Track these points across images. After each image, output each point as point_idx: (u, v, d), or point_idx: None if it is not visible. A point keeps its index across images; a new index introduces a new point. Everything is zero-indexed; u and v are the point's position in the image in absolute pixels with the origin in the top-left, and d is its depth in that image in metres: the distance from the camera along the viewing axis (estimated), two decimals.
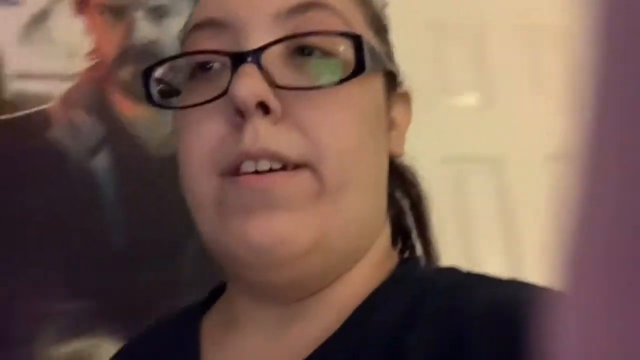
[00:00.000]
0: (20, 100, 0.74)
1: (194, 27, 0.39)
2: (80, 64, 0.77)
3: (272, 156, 0.35)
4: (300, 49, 0.37)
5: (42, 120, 0.73)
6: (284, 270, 0.36)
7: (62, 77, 0.76)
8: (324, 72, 0.36)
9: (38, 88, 0.75)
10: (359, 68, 0.36)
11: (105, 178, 0.72)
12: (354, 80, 0.36)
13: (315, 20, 0.37)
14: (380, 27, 0.42)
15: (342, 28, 0.37)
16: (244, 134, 0.35)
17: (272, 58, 0.36)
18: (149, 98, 0.40)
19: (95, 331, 0.67)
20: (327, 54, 0.37)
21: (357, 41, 0.36)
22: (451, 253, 0.51)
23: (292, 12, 0.37)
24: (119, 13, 0.79)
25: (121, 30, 0.79)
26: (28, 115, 0.73)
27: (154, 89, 0.39)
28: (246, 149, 0.35)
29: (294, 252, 0.35)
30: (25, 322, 0.66)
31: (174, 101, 0.40)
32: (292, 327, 0.38)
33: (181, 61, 0.40)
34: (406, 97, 0.45)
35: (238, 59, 0.35)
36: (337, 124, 0.36)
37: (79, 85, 0.76)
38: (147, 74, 0.39)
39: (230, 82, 0.35)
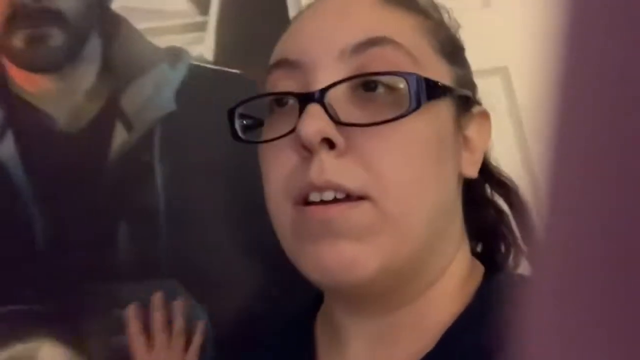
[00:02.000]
0: None
1: (273, 65, 0.43)
2: None
3: (336, 188, 0.38)
4: (365, 84, 0.40)
5: None
6: (358, 290, 0.39)
7: None
8: (386, 107, 0.39)
9: None
10: (415, 105, 0.38)
11: (13, 165, 0.65)
12: (415, 114, 0.38)
13: (378, 56, 0.40)
14: (452, 52, 0.44)
15: (406, 62, 0.40)
16: (310, 168, 0.38)
17: (337, 95, 0.39)
18: (234, 134, 0.44)
19: (31, 333, 0.63)
20: (389, 88, 0.39)
21: (411, 80, 0.39)
22: None
23: (357, 49, 0.40)
24: None
25: None
26: None
27: (239, 125, 0.44)
28: (312, 181, 0.38)
29: (361, 277, 0.38)
30: None
31: (258, 133, 0.44)
32: (385, 342, 0.42)
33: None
34: (483, 116, 0.45)
35: (305, 99, 0.39)
36: (397, 157, 0.39)
37: None
38: (231, 112, 0.44)
39: (298, 119, 0.39)
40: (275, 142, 0.40)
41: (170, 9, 0.71)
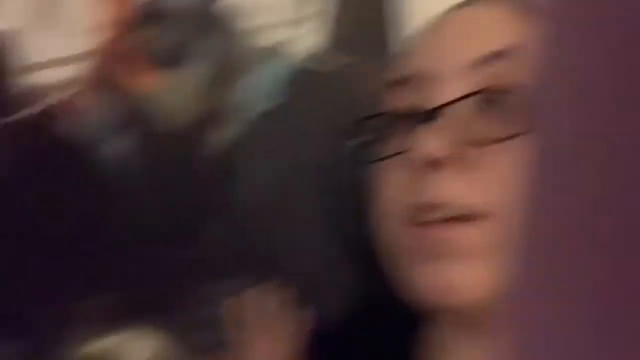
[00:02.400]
0: (37, 89, 0.74)
1: (393, 82, 0.42)
2: (89, 42, 0.74)
3: (455, 207, 0.37)
4: (486, 100, 0.38)
5: (59, 108, 0.72)
6: (467, 310, 0.38)
7: (75, 59, 0.74)
8: (510, 124, 0.37)
9: (53, 74, 0.75)
10: None
11: (122, 160, 0.70)
12: None
13: (503, 70, 0.38)
14: None
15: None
16: (427, 187, 0.37)
17: (459, 110, 0.38)
18: (351, 151, 0.44)
19: (126, 325, 0.66)
20: (515, 103, 0.37)
21: None
22: None
23: (480, 63, 0.39)
24: None
25: None
26: (46, 105, 0.72)
27: (353, 142, 0.44)
28: (429, 200, 0.37)
29: (471, 299, 0.37)
30: (59, 320, 0.66)
31: (374, 151, 0.44)
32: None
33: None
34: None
35: (425, 116, 0.38)
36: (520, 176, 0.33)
37: (89, 66, 0.74)
38: (348, 129, 0.44)
39: (417, 136, 0.38)
40: (391, 162, 0.40)
41: (271, 4, 0.73)
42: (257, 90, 0.70)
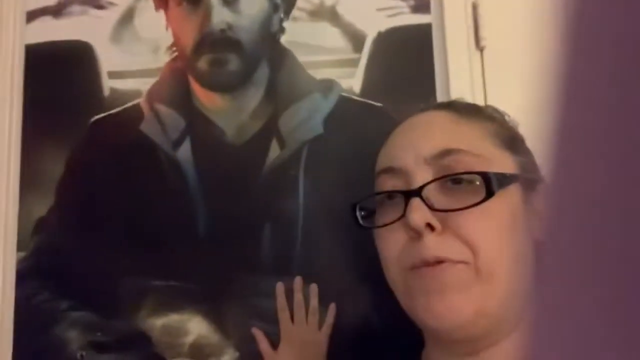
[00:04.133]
0: (114, 97, 0.83)
1: (379, 171, 0.57)
2: (163, 58, 0.83)
3: (442, 260, 0.50)
4: (451, 180, 0.52)
5: (134, 115, 0.81)
6: (459, 331, 0.50)
7: (148, 73, 0.83)
8: (469, 195, 0.50)
9: (128, 85, 0.83)
10: (487, 195, 0.50)
11: (188, 166, 0.79)
12: (491, 199, 0.50)
13: (454, 161, 0.52)
14: (514, 145, 0.55)
15: (478, 162, 0.52)
16: (420, 247, 0.50)
17: (430, 190, 0.52)
18: (356, 221, 0.58)
19: (184, 307, 0.76)
20: (469, 182, 0.51)
21: (484, 177, 0.50)
22: None
23: (436, 157, 0.52)
24: (195, 1, 0.83)
25: (198, 18, 0.83)
26: (122, 111, 0.82)
27: (359, 214, 0.58)
28: (423, 257, 0.50)
29: (463, 319, 0.49)
30: (130, 296, 0.77)
31: (373, 220, 0.58)
32: None
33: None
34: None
35: (408, 195, 0.52)
36: (483, 230, 0.50)
37: (161, 80, 0.82)
38: (353, 206, 0.59)
39: (405, 210, 0.52)
40: (387, 227, 0.53)
41: (329, 46, 0.81)
42: (306, 118, 0.79)
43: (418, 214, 0.50)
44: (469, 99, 0.72)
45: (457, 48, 0.79)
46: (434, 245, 0.50)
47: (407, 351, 0.59)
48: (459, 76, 0.78)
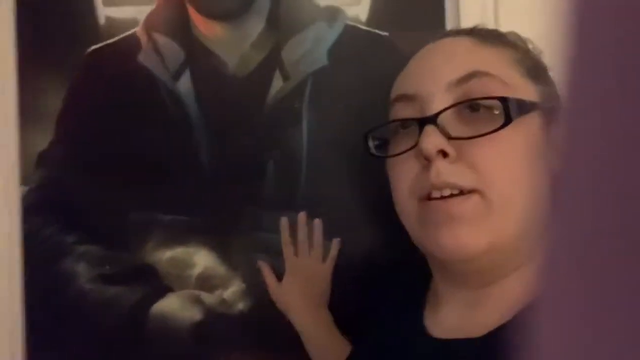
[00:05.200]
0: (110, 26, 0.79)
1: (394, 99, 0.55)
2: None
3: (452, 186, 0.49)
4: (469, 107, 0.50)
5: (131, 45, 0.78)
6: (469, 264, 0.49)
7: (145, 0, 0.80)
8: (487, 123, 0.49)
9: (124, 13, 0.79)
10: (506, 121, 0.48)
11: (189, 99, 0.77)
12: (508, 127, 0.48)
13: (478, 85, 0.50)
14: (537, 74, 0.52)
15: (499, 88, 0.50)
16: (430, 172, 0.49)
17: (447, 117, 0.50)
18: (368, 151, 0.57)
19: (190, 240, 0.77)
20: (488, 108, 0.50)
21: (503, 102, 0.48)
22: None
23: (459, 81, 0.50)
24: None
25: None
26: (119, 41, 0.79)
27: (372, 144, 0.57)
28: (433, 182, 0.49)
29: (472, 253, 0.48)
30: (136, 229, 0.77)
31: (386, 149, 0.57)
32: (477, 310, 0.51)
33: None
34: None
35: (422, 122, 0.50)
36: (497, 160, 0.48)
37: (158, 8, 0.79)
38: (366, 135, 0.57)
39: (419, 137, 0.50)
40: (401, 156, 0.52)
41: None
42: (310, 48, 0.77)
43: (430, 140, 0.49)
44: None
45: None
46: (445, 171, 0.49)
47: (413, 287, 0.60)
48: (469, 3, 0.75)
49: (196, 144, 0.77)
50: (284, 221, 0.75)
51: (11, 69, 0.80)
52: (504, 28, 0.73)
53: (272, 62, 0.77)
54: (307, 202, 0.75)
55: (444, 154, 0.49)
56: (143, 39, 0.79)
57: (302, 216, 0.75)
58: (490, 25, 0.74)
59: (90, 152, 0.78)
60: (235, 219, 0.76)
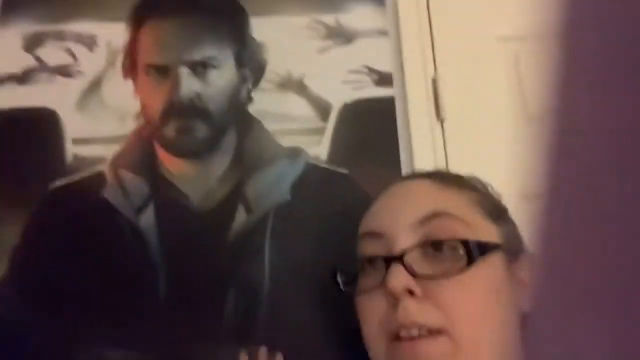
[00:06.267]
0: (77, 164, 0.81)
1: (362, 235, 0.57)
2: (130, 126, 0.83)
3: (420, 326, 0.49)
4: (433, 246, 0.52)
5: (96, 182, 0.80)
6: None
7: (114, 140, 0.82)
8: (450, 262, 0.50)
9: (93, 151, 0.82)
10: (468, 263, 0.50)
11: (151, 234, 0.77)
12: (472, 267, 0.50)
13: (440, 225, 0.52)
14: (499, 215, 0.55)
15: (461, 228, 0.52)
16: (398, 312, 0.50)
17: (413, 256, 0.52)
18: (336, 286, 0.58)
19: None
20: (451, 248, 0.51)
21: (465, 245, 0.51)
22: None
23: (422, 222, 0.52)
24: (164, 71, 0.83)
25: (167, 87, 0.83)
26: (84, 177, 0.80)
27: (340, 279, 0.58)
28: (401, 322, 0.50)
29: None
30: None
31: (354, 284, 0.58)
32: None
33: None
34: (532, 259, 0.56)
35: (388, 261, 0.52)
36: (462, 301, 0.49)
37: (127, 147, 0.82)
38: (334, 270, 0.59)
39: (385, 275, 0.51)
40: (368, 294, 0.53)
41: (296, 114, 0.83)
42: (273, 184, 0.80)
43: (397, 278, 0.50)
44: (431, 168, 0.74)
45: (419, 119, 0.82)
46: (413, 310, 0.50)
47: None
48: (421, 146, 0.81)
49: (154, 277, 0.75)
50: (243, 357, 0.72)
51: None
52: (453, 169, 0.78)
53: (235, 197, 0.79)
54: (267, 336, 0.73)
55: (410, 292, 0.50)
56: (109, 175, 0.80)
57: (262, 351, 0.72)
58: (441, 166, 0.79)
59: (41, 287, 0.76)
60: (189, 356, 0.72)
